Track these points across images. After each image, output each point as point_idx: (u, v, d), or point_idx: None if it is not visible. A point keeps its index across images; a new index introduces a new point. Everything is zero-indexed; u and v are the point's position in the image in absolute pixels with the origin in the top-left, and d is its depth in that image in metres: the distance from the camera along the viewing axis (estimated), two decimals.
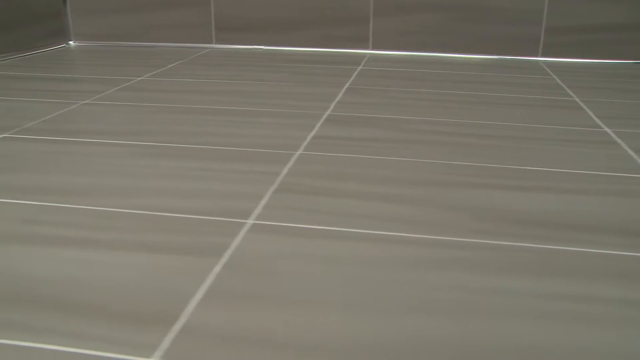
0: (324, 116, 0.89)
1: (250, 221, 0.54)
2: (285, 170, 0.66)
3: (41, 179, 0.64)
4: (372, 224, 0.54)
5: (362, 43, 1.46)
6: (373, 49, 1.46)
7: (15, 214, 0.55)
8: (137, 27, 1.56)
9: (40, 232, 0.52)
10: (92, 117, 0.89)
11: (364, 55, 1.44)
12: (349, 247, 0.49)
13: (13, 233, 0.52)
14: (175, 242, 0.50)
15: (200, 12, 1.50)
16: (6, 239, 0.51)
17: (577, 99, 1.03)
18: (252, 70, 1.24)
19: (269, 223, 0.54)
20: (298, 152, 0.72)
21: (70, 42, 1.61)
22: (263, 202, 0.58)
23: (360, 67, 1.28)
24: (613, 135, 0.82)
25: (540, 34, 1.39)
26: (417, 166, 0.68)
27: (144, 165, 0.68)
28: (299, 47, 1.50)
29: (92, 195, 0.60)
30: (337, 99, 1.00)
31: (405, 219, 0.55)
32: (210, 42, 1.53)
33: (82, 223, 0.54)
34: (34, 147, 0.75)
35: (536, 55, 1.41)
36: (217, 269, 0.46)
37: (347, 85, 1.11)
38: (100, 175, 0.65)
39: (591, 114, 0.93)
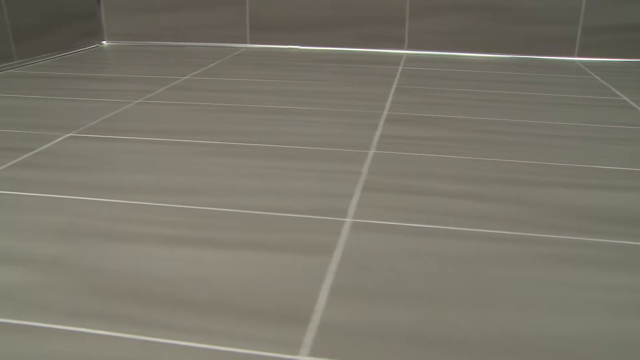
0: (383, 116, 0.89)
1: (348, 219, 0.54)
2: (365, 170, 0.66)
3: (122, 177, 0.65)
4: (479, 223, 0.54)
5: (397, 43, 1.46)
6: (408, 49, 1.46)
7: (108, 213, 0.56)
8: (169, 27, 1.56)
9: (140, 230, 0.52)
10: (152, 116, 0.89)
11: (400, 55, 1.45)
12: (454, 244, 0.50)
13: (112, 232, 0.52)
14: (280, 240, 0.50)
15: (236, 11, 1.50)
16: (106, 238, 0.51)
17: (626, 99, 1.03)
18: (293, 70, 1.24)
19: (369, 221, 0.54)
20: (371, 152, 0.73)
21: (103, 42, 1.61)
22: (355, 200, 0.58)
23: (401, 67, 1.29)
24: None
25: (576, 33, 1.39)
26: (493, 165, 0.69)
27: (223, 164, 0.68)
28: (333, 47, 1.50)
29: (181, 194, 0.60)
30: (390, 98, 1.00)
31: (497, 217, 0.55)
32: (245, 42, 1.53)
33: (179, 222, 0.54)
34: (104, 146, 0.75)
35: (572, 55, 1.41)
36: (333, 266, 0.46)
37: (394, 85, 1.11)
38: (180, 174, 0.65)
39: None
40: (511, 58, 1.42)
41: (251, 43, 1.53)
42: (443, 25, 1.43)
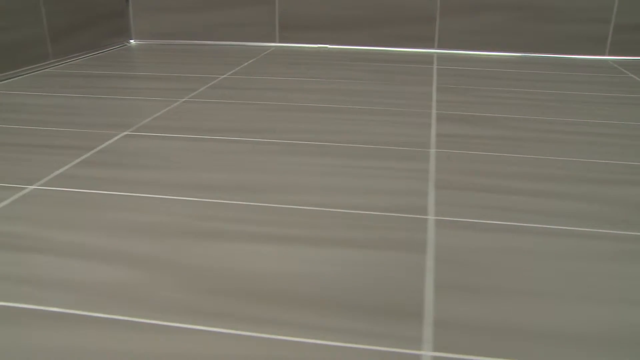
0: (433, 115, 0.89)
1: (431, 217, 0.54)
2: (432, 167, 0.67)
3: (195, 175, 0.65)
4: (565, 220, 0.54)
5: (427, 42, 1.47)
6: (438, 48, 1.47)
7: (192, 211, 0.56)
8: (197, 26, 1.56)
9: (230, 229, 0.52)
10: (203, 114, 0.89)
11: (430, 54, 1.45)
12: (544, 241, 0.50)
13: (203, 230, 0.52)
14: (369, 237, 0.51)
15: (265, 10, 1.50)
16: (199, 236, 0.51)
17: None
18: (329, 69, 1.25)
19: (453, 219, 0.54)
20: (433, 150, 0.73)
21: (131, 41, 1.61)
22: (431, 198, 0.58)
23: (435, 66, 1.29)
24: None
25: (608, 32, 1.40)
26: (560, 163, 0.69)
27: (292, 163, 0.69)
28: (360, 46, 1.51)
29: (260, 192, 0.60)
30: (434, 97, 1.00)
31: (581, 215, 0.55)
32: (274, 41, 1.53)
33: (267, 220, 0.54)
34: (164, 144, 0.75)
35: (603, 54, 1.42)
36: (430, 263, 0.46)
37: (434, 84, 1.11)
38: (253, 172, 0.66)
39: None
40: (543, 57, 1.42)
41: (280, 42, 1.53)
42: (474, 24, 1.44)
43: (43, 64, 1.24)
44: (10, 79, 1.15)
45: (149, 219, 0.54)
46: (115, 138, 0.78)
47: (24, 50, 1.18)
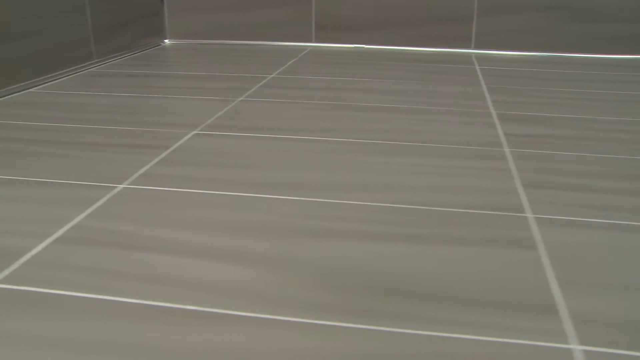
0: (494, 114, 0.90)
1: (529, 215, 0.55)
2: (512, 166, 0.68)
3: (277, 174, 0.66)
4: None
5: (463, 42, 1.47)
6: (475, 48, 1.48)
7: (291, 210, 0.57)
8: (231, 26, 1.57)
9: (338, 227, 0.53)
10: (265, 113, 0.90)
11: (468, 54, 1.46)
12: None
13: (310, 228, 0.53)
14: (476, 235, 0.51)
15: (301, 10, 1.51)
16: (308, 234, 0.52)
17: None
18: (373, 69, 1.25)
19: (551, 217, 0.55)
20: (506, 149, 0.74)
21: (165, 41, 1.62)
22: (523, 197, 0.59)
23: (477, 67, 1.30)
24: None
25: None
26: (634, 162, 0.70)
27: (371, 162, 0.69)
28: (397, 46, 1.51)
29: (352, 190, 0.61)
30: (488, 97, 1.01)
31: None
32: (310, 41, 1.54)
33: (371, 218, 0.55)
34: (238, 143, 0.76)
35: None
36: (546, 260, 0.47)
37: (483, 84, 1.12)
38: (333, 171, 0.66)
39: None
40: (578, 57, 1.43)
41: (316, 42, 1.54)
42: (509, 24, 1.45)
43: (87, 64, 1.25)
44: (59, 78, 1.15)
45: (255, 218, 0.55)
46: (187, 137, 0.79)
47: (70, 50, 1.19)
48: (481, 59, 1.40)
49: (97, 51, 1.29)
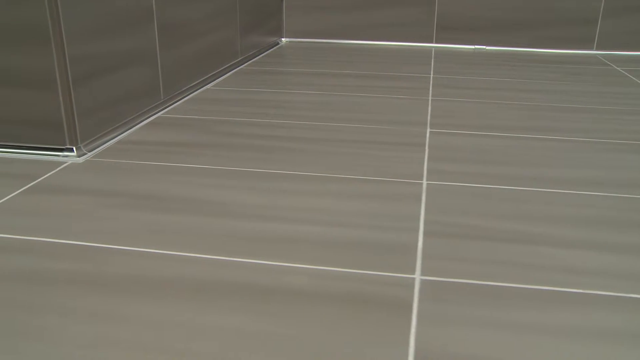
0: None
1: None
2: None
3: (552, 172, 0.67)
4: None
5: (586, 44, 1.49)
6: (597, 49, 1.49)
7: (623, 205, 0.58)
8: (350, 25, 1.58)
9: None
10: (471, 112, 0.91)
11: (592, 55, 1.47)
12: None
13: None
14: None
15: (424, 11, 1.52)
16: None
17: None
18: (513, 70, 1.27)
19: None
20: None
21: (283, 39, 1.62)
22: None
23: (616, 67, 1.31)
24: None
25: None
26: None
27: (616, 159, 0.71)
28: (517, 47, 1.53)
29: (624, 187, 0.62)
30: None
31: None
32: (430, 42, 1.55)
33: None
34: (479, 142, 0.77)
35: None
36: None
37: None
38: (596, 168, 0.68)
39: None
40: None
41: (437, 43, 1.55)
42: (633, 25, 1.46)
43: (234, 62, 1.26)
44: (219, 77, 1.16)
45: (590, 213, 0.56)
46: (427, 135, 0.80)
47: (225, 48, 1.19)
48: (612, 59, 1.41)
49: (242, 49, 1.29)
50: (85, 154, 0.71)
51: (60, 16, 0.66)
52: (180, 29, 0.97)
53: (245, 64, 1.30)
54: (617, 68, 1.31)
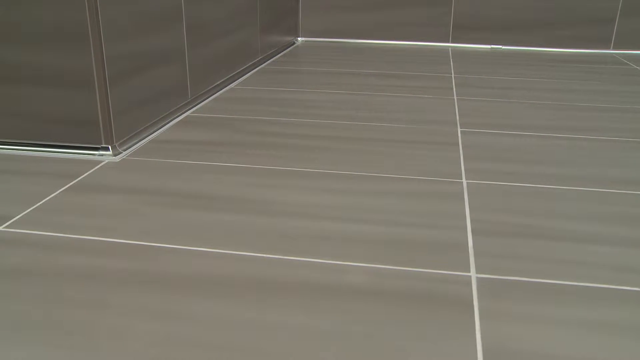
0: None
1: None
2: None
3: (611, 172, 0.67)
4: None
5: (603, 43, 1.49)
6: (614, 48, 1.50)
7: None
8: (366, 24, 1.58)
9: None
10: (500, 111, 0.91)
11: (609, 54, 1.47)
12: None
13: None
14: None
15: (441, 11, 1.52)
16: None
17: None
18: (533, 69, 1.27)
19: None
20: None
21: (299, 39, 1.62)
22: None
23: (635, 67, 1.31)
24: None
25: None
26: None
27: None
28: (533, 46, 1.53)
29: None
30: None
31: None
32: (446, 41, 1.55)
33: None
34: (514, 141, 0.77)
35: None
36: None
37: None
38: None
39: None
40: None
41: (452, 42, 1.55)
42: None
43: (255, 61, 1.26)
44: (242, 76, 1.16)
45: (633, 211, 0.56)
46: (459, 134, 0.80)
47: (246, 47, 1.19)
48: (630, 58, 1.41)
49: (261, 48, 1.29)
50: (120, 152, 0.71)
51: (99, 16, 0.66)
52: (206, 28, 0.97)
53: (265, 63, 1.30)
54: (637, 67, 1.31)
